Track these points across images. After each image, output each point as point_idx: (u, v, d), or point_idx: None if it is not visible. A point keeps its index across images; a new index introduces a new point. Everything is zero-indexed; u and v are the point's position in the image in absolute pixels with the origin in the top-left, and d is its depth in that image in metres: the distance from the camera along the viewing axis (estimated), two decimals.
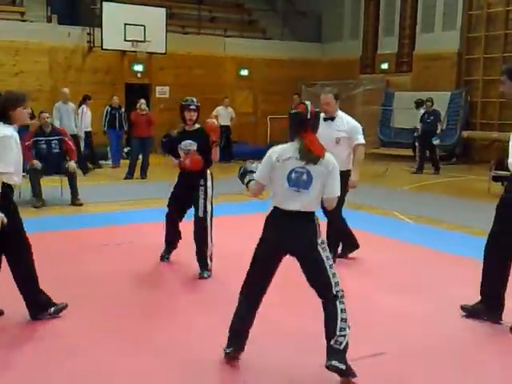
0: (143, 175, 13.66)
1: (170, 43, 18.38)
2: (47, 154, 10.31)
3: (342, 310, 3.98)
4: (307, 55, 22.49)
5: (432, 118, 15.30)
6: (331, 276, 4.00)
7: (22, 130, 12.13)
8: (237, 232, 8.09)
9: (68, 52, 18.22)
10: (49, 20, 18.61)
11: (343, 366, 3.91)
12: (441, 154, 18.05)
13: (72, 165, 10.29)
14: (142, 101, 14.08)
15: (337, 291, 3.99)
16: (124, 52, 18.34)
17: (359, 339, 4.67)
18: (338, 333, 3.93)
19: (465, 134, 17.73)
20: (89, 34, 18.27)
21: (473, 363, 4.41)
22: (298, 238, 4.00)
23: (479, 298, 5.19)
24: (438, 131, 15.46)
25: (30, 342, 4.68)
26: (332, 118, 6.70)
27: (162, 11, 18.39)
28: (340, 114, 6.79)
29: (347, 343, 3.95)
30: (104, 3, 17.49)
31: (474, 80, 18.42)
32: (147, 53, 18.17)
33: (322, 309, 4.02)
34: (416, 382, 4.12)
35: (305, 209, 4.00)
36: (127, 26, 17.47)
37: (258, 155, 13.85)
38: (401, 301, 5.66)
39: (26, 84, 16.35)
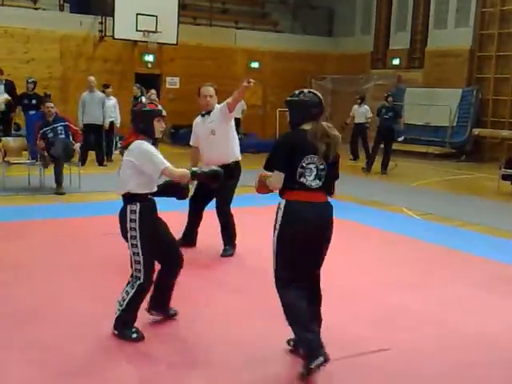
0: None
1: (182, 34, 18.35)
2: (54, 141, 10.34)
3: (126, 291, 4.38)
4: (318, 49, 22.44)
5: (391, 113, 14.33)
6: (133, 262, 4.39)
7: (31, 122, 12.31)
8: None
9: (79, 40, 18.23)
10: (61, 8, 18.64)
11: (115, 331, 4.42)
12: (451, 151, 18.04)
13: (76, 146, 10.44)
14: (153, 91, 14.06)
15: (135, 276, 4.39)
16: (135, 42, 18.33)
17: (364, 334, 4.68)
18: (116, 303, 4.41)
19: (475, 131, 17.66)
20: (101, 23, 18.28)
21: (476, 363, 4.38)
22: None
23: (486, 296, 5.09)
24: (401, 128, 14.77)
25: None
26: (208, 113, 6.57)
27: (175, 2, 18.33)
28: (216, 106, 6.61)
29: (120, 316, 4.39)
30: None
31: (486, 77, 18.33)
32: (158, 43, 18.15)
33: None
34: (421, 379, 4.11)
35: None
36: (139, 15, 17.45)
37: (266, 148, 13.80)
38: (407, 297, 5.64)
39: (36, 71, 16.38)
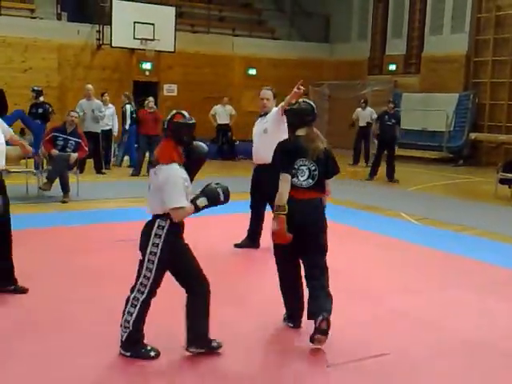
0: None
1: (179, 42, 18.43)
2: (55, 157, 10.30)
3: (129, 312, 4.19)
4: (315, 56, 22.53)
5: (394, 120, 14.13)
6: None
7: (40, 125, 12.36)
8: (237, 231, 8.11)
9: (77, 49, 18.29)
10: (58, 17, 18.71)
11: (126, 353, 4.20)
12: (448, 155, 18.09)
13: (74, 156, 10.30)
14: (151, 99, 14.09)
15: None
16: (133, 50, 18.40)
17: (363, 339, 4.70)
18: (121, 327, 4.22)
19: (472, 135, 17.73)
20: (98, 31, 18.34)
21: (475, 367, 4.40)
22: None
23: (484, 300, 5.14)
24: (398, 134, 14.37)
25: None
26: (266, 114, 7.10)
27: (172, 10, 18.43)
28: (274, 109, 7.06)
29: (129, 336, 4.18)
30: (114, 1, 17.56)
31: (482, 82, 18.39)
32: (156, 51, 18.21)
33: None
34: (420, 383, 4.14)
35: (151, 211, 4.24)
36: (136, 24, 17.51)
37: None
38: (406, 301, 5.67)
39: (34, 80, 16.41)
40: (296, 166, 4.51)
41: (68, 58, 18.16)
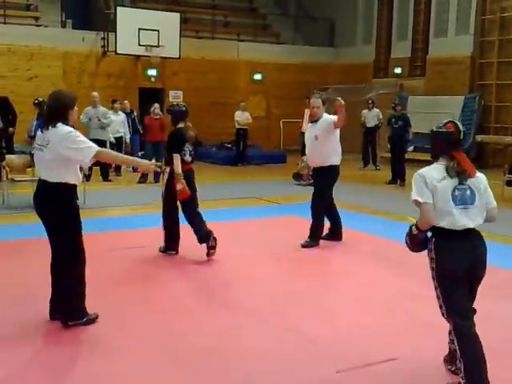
0: (156, 179, 13.69)
1: (184, 48, 18.46)
2: None
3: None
4: (320, 60, 22.53)
5: (400, 122, 14.07)
6: None
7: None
8: (246, 236, 8.10)
9: (82, 56, 18.34)
10: (63, 25, 18.77)
11: None
12: None
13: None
14: (156, 105, 14.11)
15: None
16: (138, 57, 18.44)
17: (371, 344, 4.69)
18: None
19: (478, 138, 17.65)
20: (103, 38, 18.38)
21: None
22: (479, 257, 4.09)
23: (489, 303, 5.10)
24: (410, 137, 14.41)
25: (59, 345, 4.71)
26: (316, 121, 7.62)
27: (176, 16, 18.46)
28: (324, 116, 7.61)
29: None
30: (118, 8, 17.67)
31: (488, 84, 18.34)
32: (161, 57, 18.25)
33: None
34: None
35: (475, 225, 4.08)
36: (141, 30, 17.56)
37: (270, 159, 14.24)
38: (414, 306, 5.63)
39: (40, 88, 16.47)
40: (185, 148, 6.88)
41: (73, 66, 18.22)
